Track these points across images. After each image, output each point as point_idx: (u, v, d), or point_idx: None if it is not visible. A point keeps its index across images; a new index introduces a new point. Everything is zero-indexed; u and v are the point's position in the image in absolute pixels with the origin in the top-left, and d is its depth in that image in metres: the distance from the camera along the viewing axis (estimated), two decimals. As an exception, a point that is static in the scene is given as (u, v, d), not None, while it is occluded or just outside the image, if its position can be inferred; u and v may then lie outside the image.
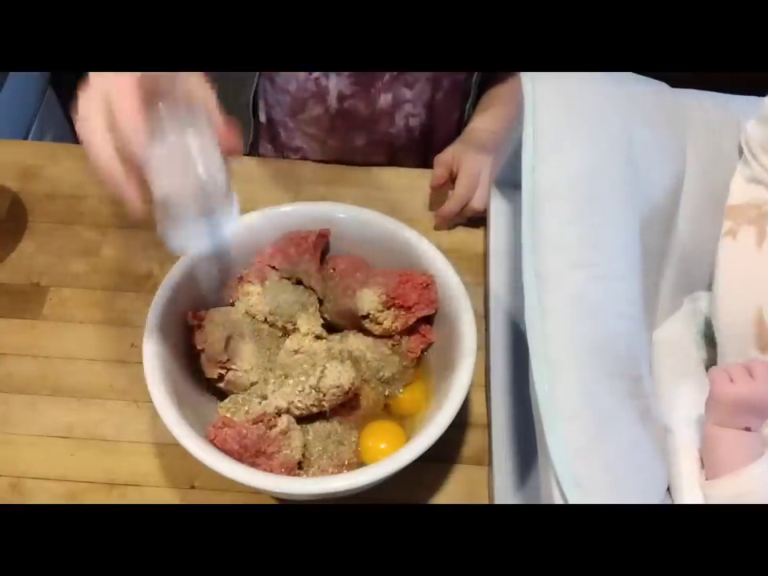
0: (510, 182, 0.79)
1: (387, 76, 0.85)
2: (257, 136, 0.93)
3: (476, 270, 0.83)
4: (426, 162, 0.93)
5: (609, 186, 0.62)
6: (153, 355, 0.65)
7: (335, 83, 0.85)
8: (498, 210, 0.81)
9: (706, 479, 0.59)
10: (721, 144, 0.68)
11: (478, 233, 0.86)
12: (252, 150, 0.94)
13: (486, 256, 0.82)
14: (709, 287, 0.70)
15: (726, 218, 0.67)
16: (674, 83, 0.70)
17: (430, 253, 0.72)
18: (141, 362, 0.65)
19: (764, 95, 0.71)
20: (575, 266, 0.58)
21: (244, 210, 0.74)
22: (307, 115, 0.89)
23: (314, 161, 0.91)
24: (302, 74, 0.85)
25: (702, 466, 0.60)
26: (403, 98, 0.88)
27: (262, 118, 0.91)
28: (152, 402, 0.63)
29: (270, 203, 0.75)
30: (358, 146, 0.91)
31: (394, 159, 0.94)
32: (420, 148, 0.94)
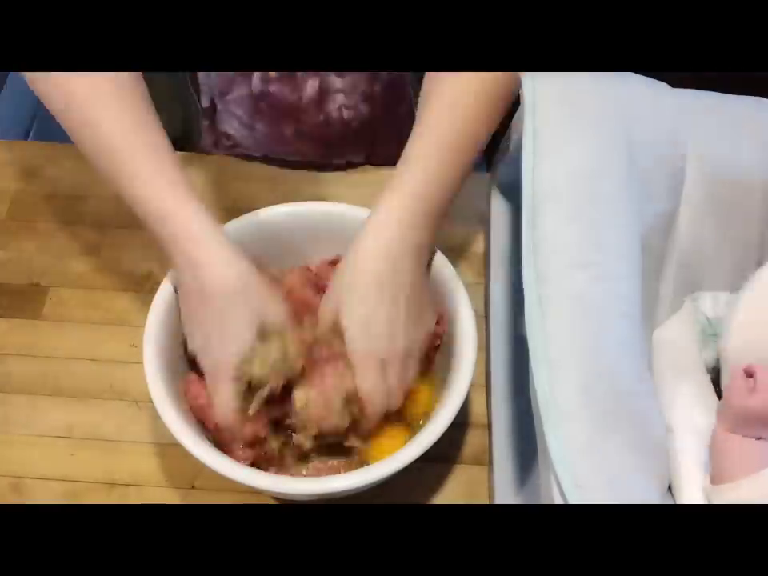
0: (510, 181, 0.79)
1: None
2: (198, 124, 0.89)
3: (476, 269, 0.83)
4: (369, 159, 0.89)
5: (609, 185, 0.62)
6: (153, 355, 0.65)
7: None
8: (498, 210, 0.81)
9: (712, 484, 0.59)
10: (721, 144, 0.68)
11: (478, 232, 0.86)
12: (188, 140, 0.90)
13: (486, 255, 0.82)
14: (709, 287, 0.70)
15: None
16: (674, 83, 0.70)
17: (429, 252, 0.72)
18: (141, 362, 0.65)
19: (764, 95, 0.71)
20: (575, 266, 0.58)
21: (243, 211, 0.74)
22: (235, 95, 0.85)
23: (245, 156, 0.89)
24: None
25: (704, 465, 0.60)
26: (333, 87, 0.84)
27: (205, 102, 0.86)
28: (152, 402, 0.63)
29: (270, 203, 0.75)
30: (287, 135, 0.87)
31: (327, 152, 0.88)
32: (360, 143, 0.88)
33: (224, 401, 0.63)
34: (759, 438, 0.58)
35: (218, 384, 0.63)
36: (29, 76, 0.65)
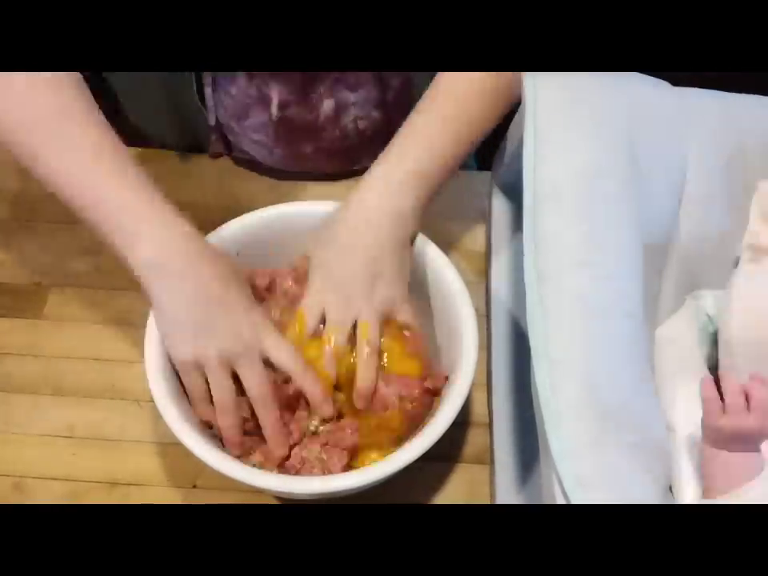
0: (511, 181, 0.79)
1: (328, 81, 0.80)
2: (205, 132, 0.88)
3: (477, 268, 0.83)
4: None
5: (610, 185, 0.62)
6: (154, 355, 0.65)
7: (277, 90, 0.80)
8: (498, 209, 0.81)
9: (703, 496, 0.58)
10: (721, 143, 0.68)
11: (479, 231, 0.86)
12: (196, 148, 0.90)
13: (487, 254, 0.82)
14: (710, 285, 0.70)
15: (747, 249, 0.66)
16: (674, 83, 0.70)
17: (430, 251, 0.72)
18: (142, 362, 0.65)
19: (764, 95, 0.71)
20: (577, 265, 0.58)
21: (244, 210, 0.74)
22: (252, 121, 0.84)
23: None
24: (243, 79, 0.80)
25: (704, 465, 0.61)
26: (347, 101, 0.83)
27: (211, 120, 0.85)
28: (153, 401, 0.63)
29: (270, 203, 0.75)
30: (307, 153, 0.87)
31: (345, 163, 0.89)
32: (374, 148, 0.84)
33: (258, 381, 0.64)
34: (747, 450, 0.57)
35: (252, 362, 0.64)
36: None
